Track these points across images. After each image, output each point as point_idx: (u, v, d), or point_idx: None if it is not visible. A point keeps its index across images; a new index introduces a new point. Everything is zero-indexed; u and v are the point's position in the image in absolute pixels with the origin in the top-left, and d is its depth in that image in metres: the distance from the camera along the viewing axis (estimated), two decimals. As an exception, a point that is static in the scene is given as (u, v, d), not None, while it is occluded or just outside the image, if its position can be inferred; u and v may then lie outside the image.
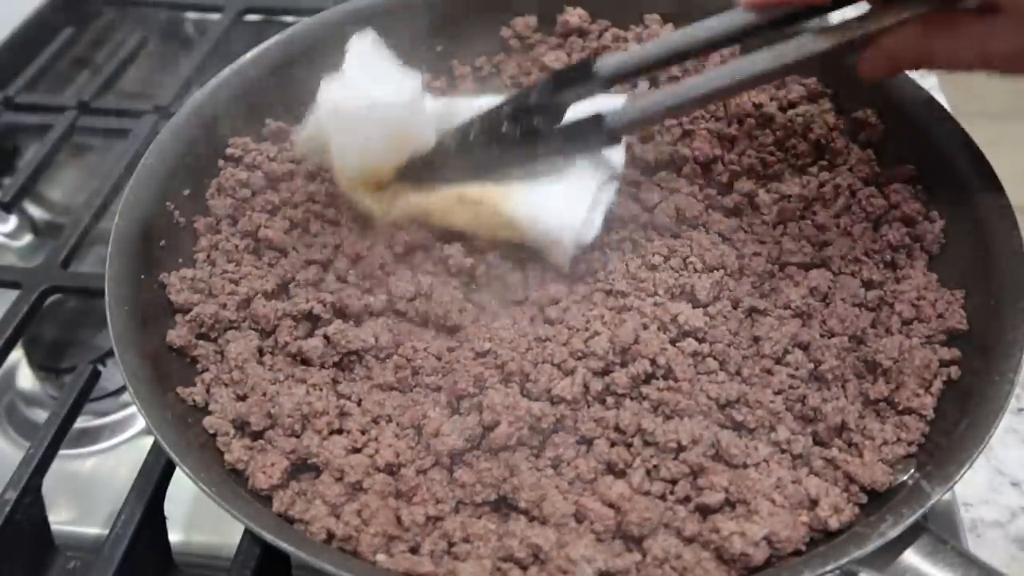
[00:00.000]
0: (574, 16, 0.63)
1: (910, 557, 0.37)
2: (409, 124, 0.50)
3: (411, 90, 0.49)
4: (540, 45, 0.64)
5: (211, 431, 0.44)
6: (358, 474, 0.41)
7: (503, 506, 0.42)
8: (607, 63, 0.48)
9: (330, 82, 0.49)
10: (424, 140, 0.51)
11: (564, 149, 0.49)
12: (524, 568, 0.38)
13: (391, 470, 0.42)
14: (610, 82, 0.48)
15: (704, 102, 0.50)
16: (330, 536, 0.39)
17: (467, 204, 0.50)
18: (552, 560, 0.38)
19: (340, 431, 0.44)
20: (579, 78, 0.48)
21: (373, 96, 0.48)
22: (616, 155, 0.52)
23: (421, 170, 0.51)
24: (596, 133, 0.48)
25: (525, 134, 0.48)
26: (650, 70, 0.49)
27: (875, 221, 0.52)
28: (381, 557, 0.38)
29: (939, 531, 0.38)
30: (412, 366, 0.47)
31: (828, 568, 0.36)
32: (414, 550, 0.39)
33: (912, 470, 0.40)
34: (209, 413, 0.45)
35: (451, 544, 0.40)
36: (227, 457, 0.43)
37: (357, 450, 0.43)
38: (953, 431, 0.41)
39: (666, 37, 0.48)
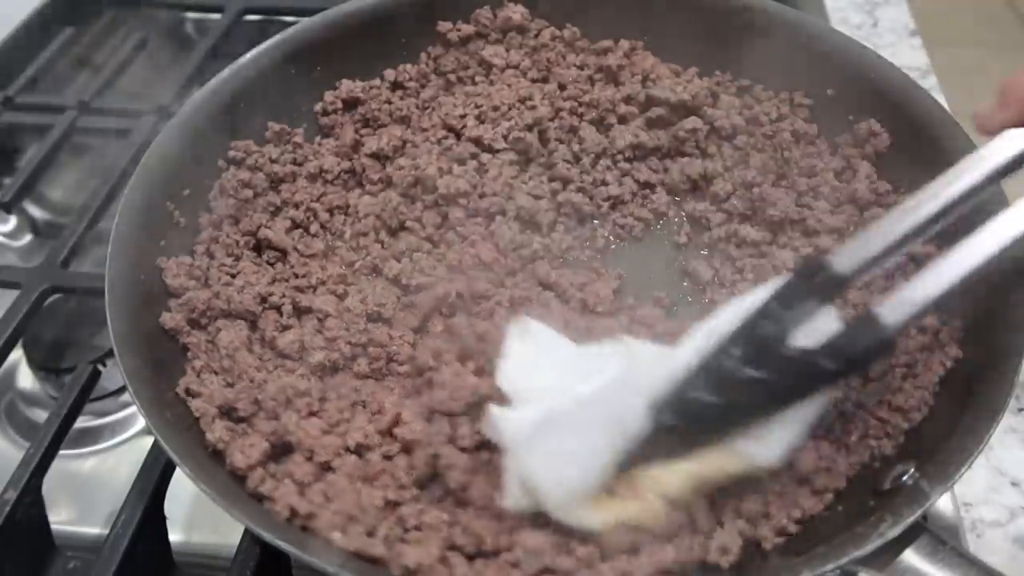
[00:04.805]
0: (516, 13, 0.63)
1: (910, 557, 0.37)
2: (624, 405, 0.39)
3: (618, 363, 0.40)
4: (478, 40, 0.64)
5: (197, 414, 0.44)
6: (328, 454, 0.42)
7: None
8: (843, 259, 0.38)
9: (506, 413, 0.39)
10: (637, 420, 0.39)
11: (836, 375, 0.38)
12: (470, 558, 0.38)
13: (360, 452, 0.43)
14: (849, 279, 0.38)
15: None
16: (294, 514, 0.40)
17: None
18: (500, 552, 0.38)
19: (317, 413, 0.45)
20: (812, 282, 0.38)
21: (579, 390, 0.38)
22: None
23: (638, 453, 0.40)
24: (873, 342, 0.37)
25: (782, 370, 0.37)
26: (895, 253, 0.38)
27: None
28: (336, 535, 0.39)
29: (939, 531, 0.38)
30: (387, 353, 0.48)
31: (828, 568, 0.36)
32: (370, 533, 0.40)
33: (912, 470, 0.40)
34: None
35: (405, 530, 0.40)
36: (208, 436, 0.43)
37: (329, 431, 0.44)
38: (953, 431, 0.41)
39: (903, 212, 0.38)
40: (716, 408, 0.38)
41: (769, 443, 0.40)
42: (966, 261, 0.38)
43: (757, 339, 0.38)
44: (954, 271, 0.37)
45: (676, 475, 0.40)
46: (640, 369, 0.40)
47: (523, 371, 0.41)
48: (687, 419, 0.39)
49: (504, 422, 0.38)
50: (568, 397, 0.38)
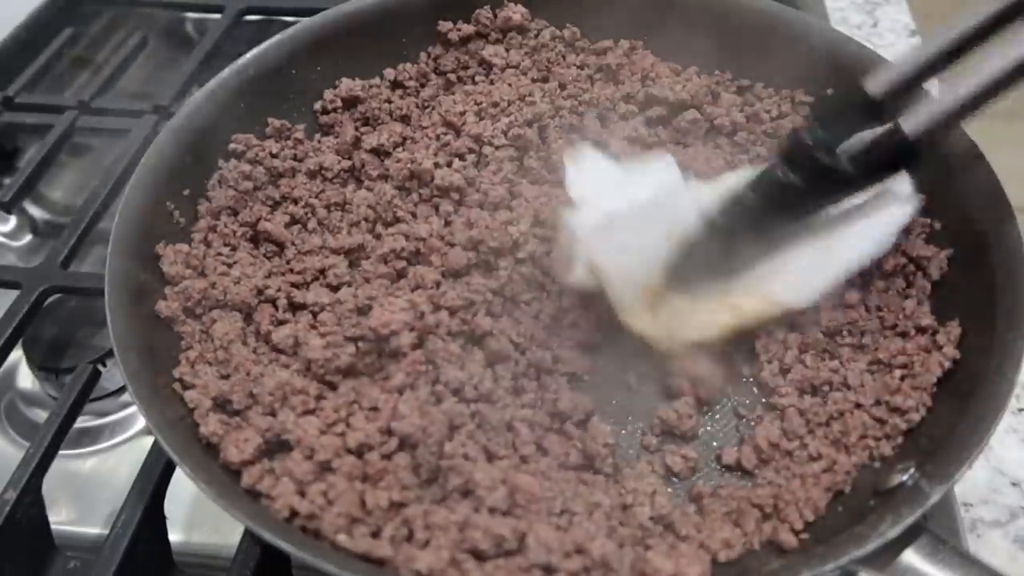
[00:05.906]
0: (516, 13, 0.64)
1: (910, 557, 0.37)
2: (677, 211, 0.46)
3: (670, 174, 0.46)
4: (478, 39, 0.64)
5: (191, 405, 0.44)
6: (328, 454, 0.42)
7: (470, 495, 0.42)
8: (878, 80, 0.43)
9: (575, 210, 0.46)
10: (689, 224, 0.46)
11: (857, 181, 0.43)
12: (482, 560, 0.38)
13: (360, 452, 0.42)
14: (884, 102, 0.43)
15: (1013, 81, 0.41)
16: (293, 514, 0.40)
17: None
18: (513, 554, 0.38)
19: (314, 411, 0.45)
20: (850, 104, 0.44)
21: (634, 196, 0.45)
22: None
23: (689, 264, 0.46)
24: (894, 150, 0.42)
25: (812, 175, 0.42)
26: (926, 77, 0.43)
27: None
28: (342, 537, 0.39)
29: (939, 531, 0.38)
30: (379, 348, 0.47)
31: (828, 568, 0.36)
32: (375, 534, 0.40)
33: (912, 470, 0.40)
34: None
35: (412, 532, 0.40)
36: (202, 430, 0.43)
37: (327, 431, 0.43)
38: (953, 431, 0.41)
39: (934, 37, 0.43)
40: (757, 209, 0.44)
41: (799, 288, 0.46)
42: (981, 78, 0.41)
43: (796, 147, 0.43)
44: (969, 88, 0.41)
45: (710, 318, 0.47)
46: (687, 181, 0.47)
47: (586, 182, 0.47)
48: (732, 219, 0.45)
49: (575, 221, 0.46)
50: (628, 201, 0.45)
